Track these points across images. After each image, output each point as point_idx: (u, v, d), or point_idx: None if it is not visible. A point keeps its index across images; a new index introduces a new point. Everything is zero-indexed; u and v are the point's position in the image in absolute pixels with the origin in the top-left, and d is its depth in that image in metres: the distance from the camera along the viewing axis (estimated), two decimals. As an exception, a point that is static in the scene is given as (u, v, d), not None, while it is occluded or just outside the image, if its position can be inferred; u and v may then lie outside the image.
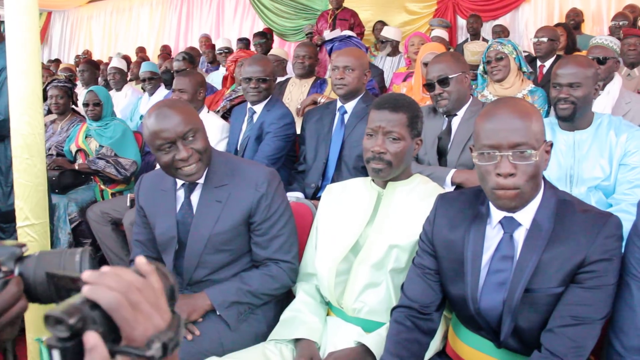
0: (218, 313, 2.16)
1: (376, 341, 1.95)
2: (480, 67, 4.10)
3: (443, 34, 6.33)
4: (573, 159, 2.77)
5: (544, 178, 1.78)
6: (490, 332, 1.77)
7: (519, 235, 1.73)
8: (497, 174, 1.63)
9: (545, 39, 4.91)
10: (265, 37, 7.89)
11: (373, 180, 2.21)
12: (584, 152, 2.77)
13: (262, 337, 2.21)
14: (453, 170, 2.85)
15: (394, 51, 6.56)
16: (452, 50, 6.28)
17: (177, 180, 2.26)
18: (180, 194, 2.28)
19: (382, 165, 2.09)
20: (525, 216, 1.72)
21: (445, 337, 2.04)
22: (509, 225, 1.73)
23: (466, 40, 7.13)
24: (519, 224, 1.73)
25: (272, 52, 5.95)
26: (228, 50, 6.94)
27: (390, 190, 2.16)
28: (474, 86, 4.13)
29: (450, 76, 3.02)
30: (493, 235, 1.77)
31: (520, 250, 1.71)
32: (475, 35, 7.06)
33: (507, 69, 3.85)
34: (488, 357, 1.81)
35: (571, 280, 1.66)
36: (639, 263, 1.63)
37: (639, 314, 1.62)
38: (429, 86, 3.09)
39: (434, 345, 2.00)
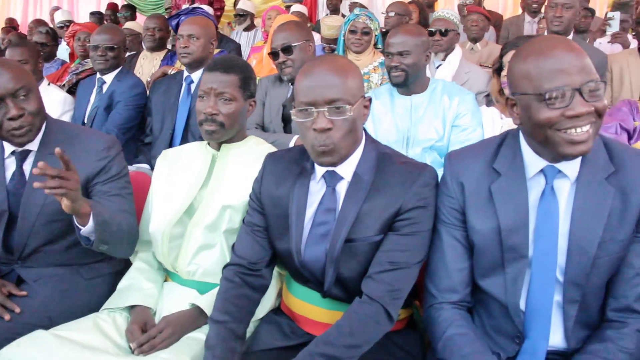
0: None
1: (209, 301, 1.94)
2: (340, 36, 4.09)
3: (302, 8, 6.38)
4: (410, 121, 2.90)
5: (365, 132, 1.84)
6: (315, 282, 1.81)
7: (341, 188, 1.78)
8: (314, 129, 1.66)
9: (393, 14, 5.06)
10: (125, 10, 7.58)
11: (209, 144, 2.19)
12: (419, 115, 2.90)
13: (96, 308, 2.13)
14: (296, 137, 2.89)
15: (252, 25, 6.54)
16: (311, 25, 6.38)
17: (7, 147, 2.12)
18: (10, 162, 2.14)
19: (215, 126, 2.07)
20: (347, 170, 1.77)
21: (280, 294, 2.07)
22: (331, 179, 1.78)
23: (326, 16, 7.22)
24: (341, 178, 1.77)
25: (126, 25, 5.72)
26: (69, 24, 6.59)
27: (224, 152, 2.15)
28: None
29: (293, 44, 3.04)
30: (317, 189, 1.80)
31: (342, 203, 1.76)
32: (335, 11, 7.16)
33: (368, 44, 3.91)
34: (315, 308, 1.86)
35: (389, 228, 1.73)
36: (447, 210, 1.72)
37: (448, 256, 1.71)
38: (273, 54, 3.09)
39: (269, 303, 2.03)
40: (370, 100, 1.79)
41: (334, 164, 1.73)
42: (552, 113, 1.46)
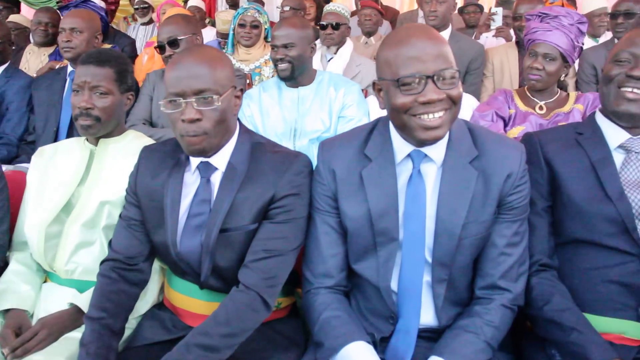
0: None
1: (88, 300, 1.90)
2: (231, 30, 4.09)
3: (199, 3, 6.29)
4: (297, 113, 2.94)
5: (239, 122, 1.85)
6: (193, 274, 1.81)
7: (216, 179, 1.78)
8: (183, 120, 1.65)
9: (288, 8, 5.09)
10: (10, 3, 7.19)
11: (87, 139, 2.13)
12: (306, 107, 2.94)
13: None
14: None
15: (152, 20, 6.38)
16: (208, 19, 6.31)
17: None
18: None
19: (90, 121, 2.02)
20: (221, 160, 1.77)
21: (162, 289, 2.06)
22: (205, 170, 1.78)
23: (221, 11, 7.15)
24: (215, 168, 1.78)
25: (11, 18, 5.45)
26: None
27: (102, 147, 2.10)
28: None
29: (180, 37, 3.01)
30: (192, 181, 1.80)
31: (216, 193, 1.76)
32: (234, 6, 7.10)
33: (259, 37, 3.91)
34: (195, 300, 1.86)
35: (264, 217, 1.75)
36: (320, 197, 1.76)
37: (322, 242, 1.75)
38: (160, 48, 3.05)
39: (151, 298, 2.01)
40: (242, 90, 1.80)
41: (206, 155, 1.74)
42: (406, 99, 1.52)
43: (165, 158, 1.85)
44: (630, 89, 1.73)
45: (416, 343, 1.68)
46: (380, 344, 1.71)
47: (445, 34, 3.78)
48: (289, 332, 1.92)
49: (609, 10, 4.18)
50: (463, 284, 1.72)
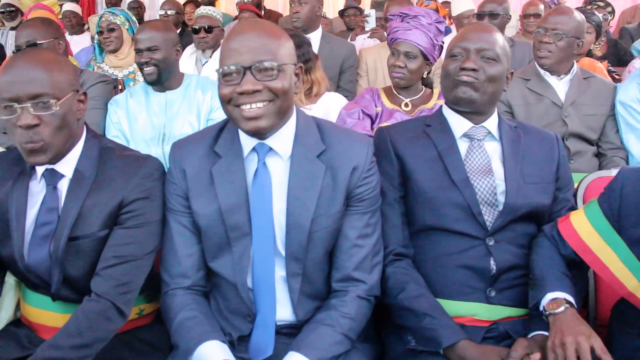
0: None
1: None
2: (96, 38, 4.00)
3: (75, 7, 6.06)
4: (165, 117, 2.88)
5: (87, 127, 1.78)
6: (44, 286, 1.73)
7: (63, 186, 1.71)
8: (20, 127, 1.56)
9: (172, 12, 5.03)
10: None
11: None
12: (174, 111, 2.89)
13: None
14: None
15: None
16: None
17: None
18: None
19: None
20: (67, 167, 1.70)
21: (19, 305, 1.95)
22: (51, 177, 1.70)
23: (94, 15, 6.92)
24: (62, 175, 1.70)
25: None
26: None
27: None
28: (92, 57, 4.03)
29: (39, 42, 2.90)
30: (39, 189, 1.72)
31: (63, 201, 1.69)
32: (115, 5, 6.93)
33: (120, 40, 3.79)
34: (49, 313, 1.78)
35: (114, 222, 1.70)
36: (173, 197, 1.73)
37: (177, 243, 1.72)
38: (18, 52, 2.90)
39: (6, 315, 1.89)
40: (85, 94, 1.73)
41: (47, 162, 1.66)
42: (227, 89, 1.56)
43: (11, 167, 1.75)
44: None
45: (277, 339, 1.68)
46: (241, 343, 1.70)
47: (315, 35, 3.84)
48: (151, 338, 1.87)
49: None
50: (319, 278, 1.74)
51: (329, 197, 1.66)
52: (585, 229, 1.75)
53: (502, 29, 4.06)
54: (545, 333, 1.64)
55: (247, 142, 1.67)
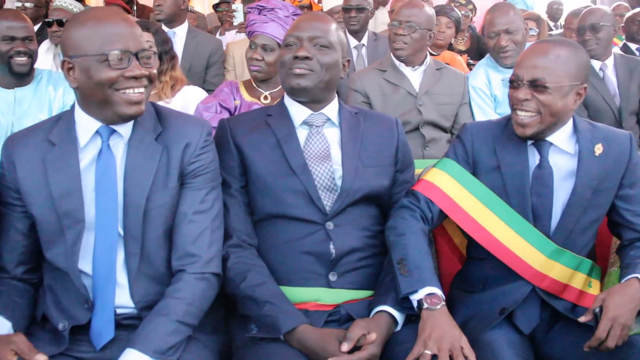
0: None
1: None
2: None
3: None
4: (13, 116, 2.73)
5: None
6: None
7: None
8: None
9: (31, 5, 4.74)
10: None
11: None
12: (25, 109, 2.76)
13: None
14: None
15: None
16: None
17: None
18: None
19: None
20: None
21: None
22: None
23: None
24: None
25: None
26: None
27: None
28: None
29: None
30: None
31: None
32: None
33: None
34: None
35: None
36: (5, 190, 1.70)
37: (10, 235, 1.71)
38: None
39: None
40: None
41: None
42: (113, 73, 1.55)
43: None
44: (296, 67, 1.86)
45: (118, 333, 1.64)
46: (82, 332, 1.66)
47: (181, 29, 3.78)
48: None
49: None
50: (158, 258, 1.71)
51: (164, 175, 1.68)
52: (446, 181, 1.92)
53: (366, 23, 4.15)
54: (388, 309, 1.72)
55: (89, 126, 1.66)
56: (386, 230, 1.88)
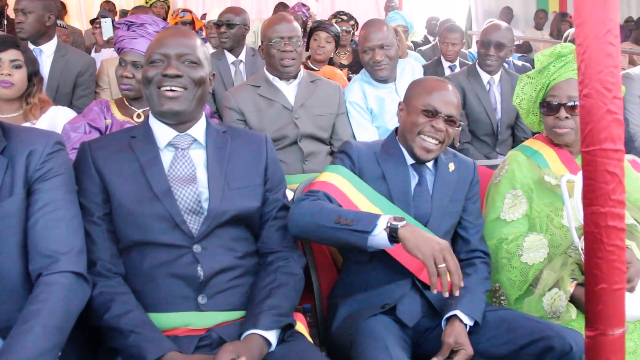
0: None
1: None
2: None
3: None
4: None
5: None
6: None
7: None
8: None
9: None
10: None
11: None
12: None
13: None
14: None
15: None
16: None
17: None
18: None
19: None
20: None
21: None
22: None
23: None
24: None
25: None
26: None
27: None
28: None
29: None
30: None
31: None
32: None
33: None
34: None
35: None
36: None
37: None
38: None
39: None
40: None
41: None
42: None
43: None
44: (168, 88, 1.79)
45: None
46: None
47: (49, 47, 3.60)
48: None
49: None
50: (13, 274, 1.59)
51: (9, 185, 1.59)
52: (339, 180, 2.01)
53: (239, 38, 4.13)
54: (259, 332, 1.67)
55: None
56: (298, 218, 1.86)
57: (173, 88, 1.79)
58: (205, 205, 1.79)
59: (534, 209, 2.17)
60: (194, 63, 1.82)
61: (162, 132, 1.86)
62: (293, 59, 2.98)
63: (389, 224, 1.72)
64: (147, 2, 6.55)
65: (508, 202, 2.19)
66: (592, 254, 1.30)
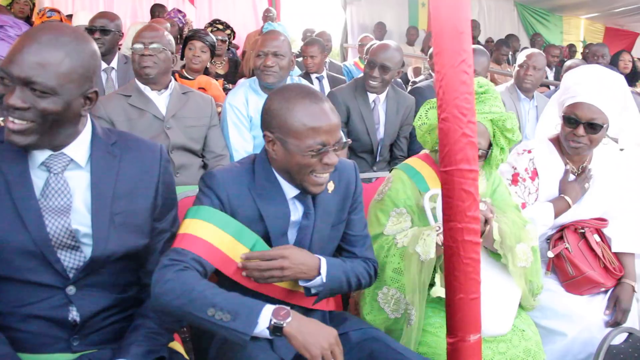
0: None
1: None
2: None
3: None
4: None
5: None
6: None
7: None
8: None
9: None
10: None
11: None
12: None
13: None
14: None
15: None
16: None
17: None
18: None
19: None
20: None
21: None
22: None
23: None
24: None
25: None
26: None
27: None
28: None
29: None
30: None
31: None
32: None
33: None
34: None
35: None
36: None
37: None
38: None
39: None
40: None
41: None
42: None
43: None
44: (11, 119, 1.47)
45: None
46: None
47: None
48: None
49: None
50: None
51: None
52: (210, 232, 1.70)
53: (115, 45, 4.00)
54: None
55: None
56: (165, 301, 1.54)
57: (15, 121, 1.47)
58: (85, 240, 1.58)
59: (415, 225, 2.14)
60: (45, 93, 1.45)
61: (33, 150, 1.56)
62: (154, 63, 2.91)
63: (272, 322, 1.51)
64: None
65: (393, 220, 2.14)
66: (450, 266, 1.39)
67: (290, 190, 1.83)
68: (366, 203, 2.19)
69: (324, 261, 1.81)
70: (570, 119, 2.41)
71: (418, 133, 2.29)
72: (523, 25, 11.73)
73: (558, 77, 6.88)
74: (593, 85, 2.39)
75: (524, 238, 2.11)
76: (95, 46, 1.56)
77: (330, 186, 1.90)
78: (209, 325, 1.51)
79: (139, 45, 2.93)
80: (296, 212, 1.86)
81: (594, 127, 2.37)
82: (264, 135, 1.78)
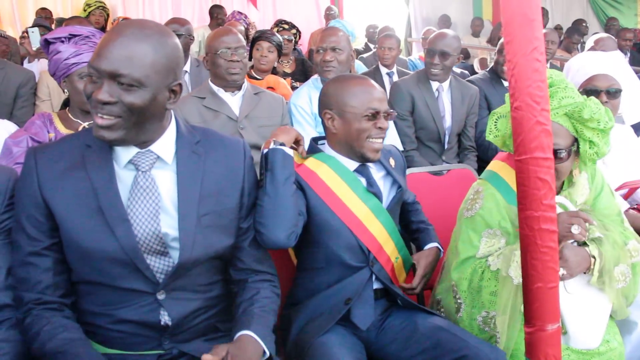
0: None
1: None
2: None
3: None
4: None
5: None
6: None
7: None
8: None
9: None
10: None
11: None
12: None
13: None
14: None
15: None
16: None
17: None
18: None
19: None
20: None
21: None
22: None
23: None
24: None
25: None
26: None
27: None
28: None
29: None
30: None
31: None
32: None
33: None
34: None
35: None
36: None
37: None
38: None
39: None
40: None
41: None
42: None
43: None
44: (100, 115, 1.49)
45: None
46: None
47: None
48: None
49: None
50: None
51: None
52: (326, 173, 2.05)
53: (186, 48, 4.13)
54: (252, 334, 1.61)
55: None
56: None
57: (104, 116, 1.48)
58: (173, 244, 1.59)
59: (509, 244, 2.02)
60: (131, 86, 1.46)
61: (120, 147, 1.57)
62: (240, 69, 3.03)
63: None
64: (85, 10, 6.43)
65: (486, 241, 2.03)
66: (527, 255, 1.39)
67: (351, 163, 2.08)
68: (441, 202, 2.38)
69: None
70: (589, 91, 2.57)
71: (496, 142, 2.14)
72: (593, 9, 11.25)
73: (634, 61, 6.60)
74: (599, 61, 2.69)
75: (623, 259, 1.96)
76: (177, 40, 1.58)
77: (392, 162, 2.22)
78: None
79: (225, 50, 3.01)
80: (362, 181, 2.09)
81: (612, 93, 2.61)
82: (323, 115, 2.08)
